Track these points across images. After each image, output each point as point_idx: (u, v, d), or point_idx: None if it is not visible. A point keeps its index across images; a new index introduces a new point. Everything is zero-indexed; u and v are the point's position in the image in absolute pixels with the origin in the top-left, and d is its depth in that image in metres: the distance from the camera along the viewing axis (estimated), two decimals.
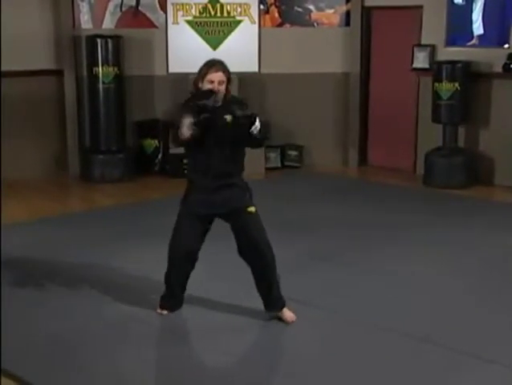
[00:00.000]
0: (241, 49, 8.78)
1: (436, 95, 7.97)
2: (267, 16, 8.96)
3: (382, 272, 5.19)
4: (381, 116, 8.99)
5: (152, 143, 8.86)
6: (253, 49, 8.80)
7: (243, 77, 8.69)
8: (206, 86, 4.09)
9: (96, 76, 8.28)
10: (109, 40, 8.24)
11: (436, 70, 8.01)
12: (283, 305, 4.30)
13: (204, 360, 4.03)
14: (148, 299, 4.62)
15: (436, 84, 7.96)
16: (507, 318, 4.42)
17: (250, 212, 4.18)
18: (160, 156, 8.82)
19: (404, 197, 7.59)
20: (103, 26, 8.69)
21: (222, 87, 4.09)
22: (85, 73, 8.51)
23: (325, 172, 8.70)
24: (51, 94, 8.54)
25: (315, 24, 9.04)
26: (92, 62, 8.30)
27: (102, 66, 8.23)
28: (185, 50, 8.66)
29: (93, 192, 7.97)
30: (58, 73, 8.51)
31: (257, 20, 8.78)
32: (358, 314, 4.43)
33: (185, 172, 4.25)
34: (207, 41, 8.75)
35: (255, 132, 4.05)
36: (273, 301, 4.30)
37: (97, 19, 8.69)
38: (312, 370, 3.77)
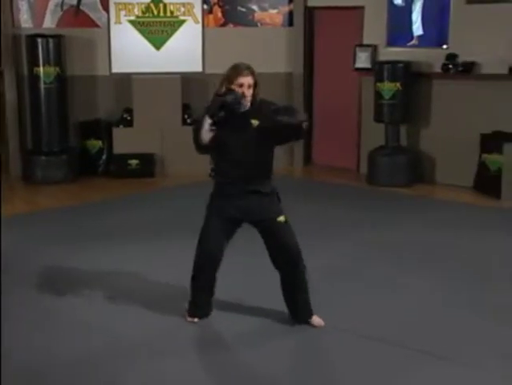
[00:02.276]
0: (184, 49, 8.77)
1: (378, 95, 8.08)
2: (211, 16, 8.96)
3: (328, 267, 5.23)
4: (325, 116, 9.08)
5: (95, 144, 8.76)
6: (197, 49, 8.80)
7: (187, 77, 8.68)
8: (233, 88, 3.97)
9: (37, 76, 8.15)
10: (50, 40, 8.12)
11: (378, 70, 8.13)
12: (312, 314, 4.22)
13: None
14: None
15: (378, 84, 8.08)
16: (461, 315, 4.51)
17: (280, 222, 4.08)
18: (104, 157, 8.73)
19: (347, 196, 7.68)
20: (44, 26, 8.56)
21: (250, 91, 3.98)
22: (26, 73, 8.37)
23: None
24: None
25: (259, 24, 9.07)
26: (33, 62, 8.16)
27: (43, 66, 8.11)
28: (128, 50, 8.60)
29: (36, 194, 7.84)
30: None
31: (200, 20, 8.78)
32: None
33: (212, 175, 4.13)
34: (150, 41, 8.70)
35: (287, 120, 3.84)
36: (302, 310, 4.21)
37: (37, 18, 8.55)
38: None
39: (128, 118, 8.60)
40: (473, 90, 7.82)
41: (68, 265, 5.31)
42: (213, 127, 3.93)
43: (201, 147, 4.05)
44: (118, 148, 8.56)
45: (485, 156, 7.69)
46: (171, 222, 6.55)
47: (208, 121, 3.92)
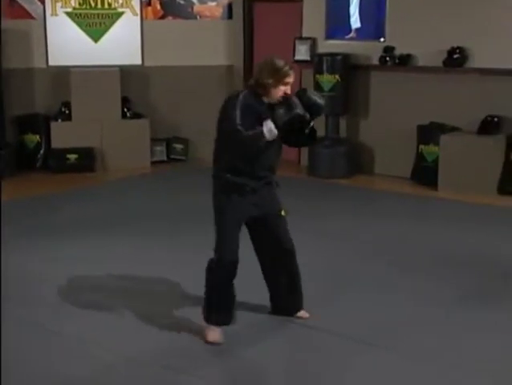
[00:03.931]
0: (123, 41, 8.67)
1: (317, 87, 8.15)
2: (149, 8, 8.88)
3: None
4: None
5: (33, 139, 8.60)
6: (136, 41, 8.70)
7: (126, 70, 8.59)
8: (279, 87, 3.79)
9: None
10: None
11: (317, 62, 8.20)
12: (301, 307, 4.25)
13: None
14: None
15: (318, 76, 8.16)
16: (404, 304, 4.60)
17: (282, 216, 4.08)
18: (42, 152, 8.58)
19: (288, 187, 7.70)
20: None
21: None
22: None
23: (210, 164, 8.70)
24: None
25: (198, 17, 9.04)
26: None
27: None
28: (66, 42, 8.45)
29: None
30: None
31: (139, 12, 8.69)
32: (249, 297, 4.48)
33: (222, 175, 3.89)
34: (88, 33, 8.57)
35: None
36: (298, 300, 4.22)
37: None
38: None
39: (67, 112, 8.46)
40: (410, 82, 7.97)
41: (13, 264, 5.21)
42: (272, 133, 3.70)
43: (252, 155, 3.83)
44: (56, 143, 8.42)
45: (422, 147, 7.85)
46: (116, 217, 6.51)
47: (273, 129, 3.67)
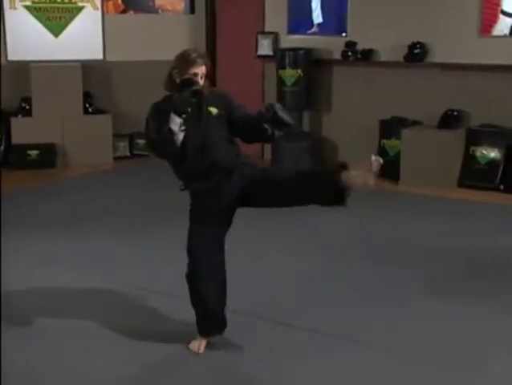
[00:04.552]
0: (84, 36, 8.58)
1: (280, 82, 8.18)
2: (110, 2, 8.80)
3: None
4: None
5: None
6: (98, 36, 8.62)
7: (88, 65, 8.52)
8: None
9: None
10: None
11: (280, 57, 8.22)
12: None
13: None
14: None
15: (280, 71, 8.18)
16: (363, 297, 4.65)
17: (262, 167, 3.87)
18: (1, 148, 8.46)
19: None
20: None
21: (203, 81, 3.61)
22: None
23: None
24: None
25: (160, 11, 8.99)
26: None
27: None
28: (25, 37, 8.33)
29: None
30: None
31: (99, 6, 8.61)
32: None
33: (184, 186, 3.64)
34: (48, 27, 8.46)
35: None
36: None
37: None
38: None
39: (27, 107, 8.36)
40: (371, 77, 8.03)
41: None
42: (183, 127, 3.46)
43: (176, 156, 3.54)
44: (17, 138, 8.31)
45: (384, 141, 7.92)
46: (78, 213, 6.45)
47: (177, 121, 3.45)
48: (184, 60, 3.61)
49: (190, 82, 3.53)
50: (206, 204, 3.68)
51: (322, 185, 3.60)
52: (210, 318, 3.80)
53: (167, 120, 3.46)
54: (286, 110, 3.69)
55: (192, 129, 3.52)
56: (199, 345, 3.81)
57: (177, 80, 3.60)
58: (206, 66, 3.65)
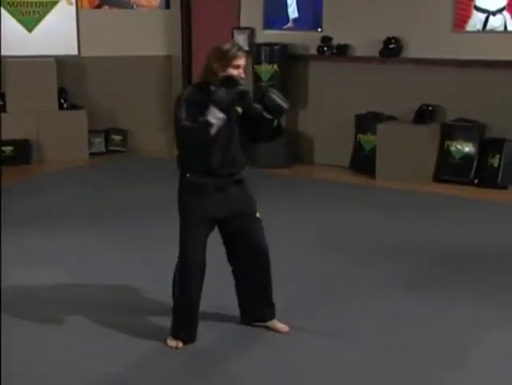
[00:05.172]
0: (58, 31, 8.52)
1: (256, 77, 8.18)
2: None
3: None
4: None
5: None
6: (72, 31, 8.57)
7: (62, 60, 8.45)
8: (229, 71, 3.62)
9: None
10: None
11: (256, 52, 8.22)
12: (274, 315, 4.00)
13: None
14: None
15: (256, 66, 8.18)
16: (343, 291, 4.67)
17: (257, 218, 3.89)
18: None
19: None
20: None
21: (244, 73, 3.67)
22: None
23: (150, 155, 8.69)
24: None
25: (135, 6, 8.94)
26: None
27: None
28: None
29: None
30: None
31: (74, 1, 8.54)
32: None
33: (183, 174, 3.73)
34: (22, 22, 8.38)
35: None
36: (270, 310, 3.97)
37: None
38: None
39: (1, 103, 8.28)
40: (347, 72, 8.06)
41: None
42: (220, 122, 3.50)
43: (207, 147, 3.62)
44: None
45: (360, 136, 7.96)
46: (56, 209, 6.42)
47: (218, 115, 3.47)
48: (226, 54, 3.65)
49: (235, 81, 3.59)
50: (205, 202, 3.71)
51: None
52: (191, 325, 3.83)
53: (202, 110, 3.48)
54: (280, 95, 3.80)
55: (224, 126, 3.55)
56: (176, 343, 3.81)
57: (220, 75, 3.62)
58: (245, 58, 3.72)
